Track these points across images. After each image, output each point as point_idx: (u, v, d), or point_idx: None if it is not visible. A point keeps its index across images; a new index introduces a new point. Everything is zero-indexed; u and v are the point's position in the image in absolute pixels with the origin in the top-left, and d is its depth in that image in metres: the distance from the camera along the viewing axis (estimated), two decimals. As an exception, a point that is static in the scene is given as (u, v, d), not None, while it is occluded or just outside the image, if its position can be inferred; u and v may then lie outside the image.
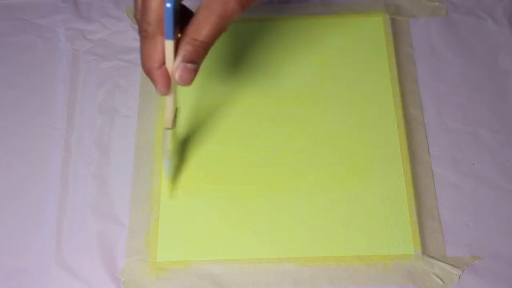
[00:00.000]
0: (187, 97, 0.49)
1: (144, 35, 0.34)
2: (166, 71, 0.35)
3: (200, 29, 0.33)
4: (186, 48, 0.34)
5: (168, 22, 0.33)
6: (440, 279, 0.42)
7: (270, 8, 0.54)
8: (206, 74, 0.50)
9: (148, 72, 0.36)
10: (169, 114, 0.40)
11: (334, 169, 0.46)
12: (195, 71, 0.35)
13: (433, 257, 0.43)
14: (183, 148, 0.46)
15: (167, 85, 0.36)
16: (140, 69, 0.51)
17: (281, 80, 0.50)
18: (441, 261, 0.42)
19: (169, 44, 0.34)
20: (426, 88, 0.49)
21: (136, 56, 0.51)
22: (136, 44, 0.52)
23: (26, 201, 0.46)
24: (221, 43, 0.51)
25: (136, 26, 0.53)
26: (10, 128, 0.49)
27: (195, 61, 0.34)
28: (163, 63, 0.35)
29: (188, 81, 0.35)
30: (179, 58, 0.34)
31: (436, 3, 0.53)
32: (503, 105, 0.49)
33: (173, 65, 0.34)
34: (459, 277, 0.42)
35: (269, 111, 0.48)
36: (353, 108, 0.48)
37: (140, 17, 0.34)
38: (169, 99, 0.38)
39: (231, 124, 0.48)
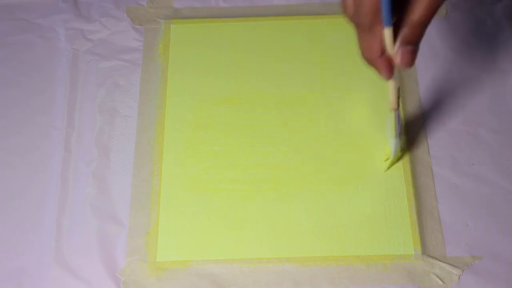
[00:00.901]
0: (187, 97, 0.49)
1: (361, 28, 0.35)
2: (387, 58, 0.36)
3: (414, 9, 0.34)
4: (404, 31, 0.34)
5: (387, 10, 0.33)
6: (440, 279, 0.42)
7: (270, 7, 0.54)
8: (206, 74, 0.50)
9: (370, 62, 0.36)
10: (393, 96, 0.40)
11: (334, 169, 0.46)
12: (415, 53, 0.35)
13: (433, 257, 0.43)
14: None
15: (391, 70, 0.36)
16: (140, 69, 0.51)
17: (281, 80, 0.50)
18: (441, 261, 0.42)
19: (389, 31, 0.34)
20: (426, 88, 0.49)
21: (136, 56, 0.51)
22: (137, 44, 0.52)
23: (26, 201, 0.46)
24: (221, 43, 0.52)
25: (136, 26, 0.53)
26: (10, 128, 0.49)
27: (413, 43, 0.35)
28: (383, 51, 0.35)
29: (409, 63, 0.35)
30: (398, 42, 0.35)
31: (436, 3, 0.53)
32: (503, 105, 0.49)
33: (394, 50, 0.35)
34: (459, 277, 0.42)
35: (269, 111, 0.48)
36: (353, 108, 0.48)
37: (355, 11, 0.34)
38: (391, 83, 0.39)
39: (231, 124, 0.48)
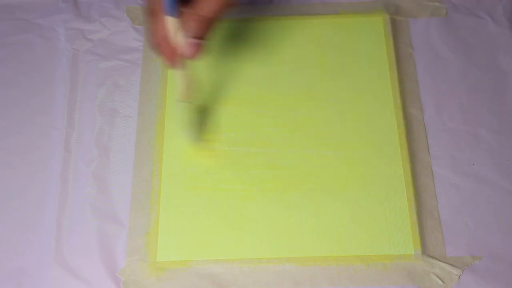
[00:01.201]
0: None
1: (149, 12, 0.36)
2: (171, 46, 0.36)
3: (203, 5, 0.35)
4: (189, 23, 0.35)
5: (167, 1, 0.34)
6: (440, 279, 0.42)
7: (270, 7, 0.54)
8: (205, 74, 0.50)
9: (154, 47, 0.37)
10: (180, 88, 0.41)
11: (334, 169, 0.46)
12: (201, 46, 0.36)
13: (433, 257, 0.43)
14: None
15: (173, 59, 0.37)
16: (140, 69, 0.51)
17: (281, 80, 0.50)
18: (441, 261, 0.42)
19: (171, 20, 0.35)
20: (426, 88, 0.49)
21: (136, 56, 0.51)
22: (137, 44, 0.52)
23: (26, 201, 0.46)
24: (220, 43, 0.52)
25: (136, 26, 0.53)
26: (10, 127, 0.49)
27: (199, 36, 0.35)
28: (166, 38, 0.36)
29: (193, 55, 0.36)
30: (183, 33, 0.35)
31: (436, 3, 0.53)
32: (503, 105, 0.49)
33: (179, 40, 0.36)
34: (459, 277, 0.42)
35: (269, 111, 0.48)
36: (353, 108, 0.48)
37: None
38: (179, 73, 0.39)
39: (231, 124, 0.48)
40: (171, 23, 0.35)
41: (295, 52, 0.51)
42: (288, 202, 0.45)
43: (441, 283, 0.42)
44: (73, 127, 0.48)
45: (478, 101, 0.49)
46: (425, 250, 0.43)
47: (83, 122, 0.49)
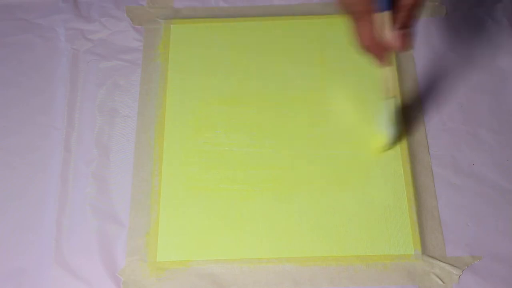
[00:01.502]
0: (187, 97, 0.49)
1: (356, 16, 0.37)
2: (379, 43, 0.37)
3: None
4: (399, 15, 0.36)
5: None
6: (440, 279, 0.42)
7: (270, 7, 0.54)
8: (206, 74, 0.50)
9: (366, 49, 0.38)
10: (389, 83, 0.41)
11: (334, 169, 0.46)
12: (410, 35, 0.37)
13: (433, 257, 0.43)
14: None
15: (382, 56, 0.38)
16: (140, 69, 0.51)
17: (280, 80, 0.50)
18: (441, 261, 0.42)
19: (381, 16, 0.36)
20: (426, 88, 0.49)
21: (136, 56, 0.51)
22: (137, 44, 0.52)
23: (26, 201, 0.46)
24: (221, 43, 0.52)
25: (136, 26, 0.53)
26: (10, 127, 0.49)
27: (409, 25, 0.37)
28: (377, 37, 0.37)
29: (407, 45, 0.37)
30: (393, 26, 0.36)
31: (436, 3, 0.53)
32: (503, 105, 0.49)
33: (387, 35, 0.36)
34: (459, 277, 0.42)
35: (269, 111, 0.48)
36: (353, 108, 0.48)
37: (349, 0, 0.37)
38: (388, 70, 0.40)
39: (231, 124, 0.48)
40: (380, 18, 0.36)
41: (295, 52, 0.51)
42: (288, 202, 0.45)
43: (441, 283, 0.42)
44: (73, 127, 0.48)
45: (478, 101, 0.49)
46: (425, 250, 0.43)
47: (83, 122, 0.49)
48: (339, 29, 0.52)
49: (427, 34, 0.52)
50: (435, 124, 0.48)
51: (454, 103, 0.49)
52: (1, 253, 0.44)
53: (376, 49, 0.38)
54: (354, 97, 0.49)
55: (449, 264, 0.42)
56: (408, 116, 0.48)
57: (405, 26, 0.36)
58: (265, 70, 0.50)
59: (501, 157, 0.46)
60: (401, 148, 0.46)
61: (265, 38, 0.52)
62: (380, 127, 0.45)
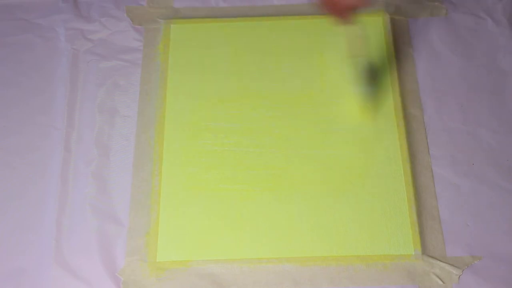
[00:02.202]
0: (187, 97, 0.49)
1: None
2: (343, 2, 0.39)
3: None
4: None
5: None
6: (440, 279, 0.42)
7: (270, 7, 0.54)
8: (206, 74, 0.50)
9: (328, 8, 0.40)
10: (353, 43, 0.43)
11: (334, 169, 0.46)
12: None
13: (433, 257, 0.43)
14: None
15: (344, 14, 0.40)
16: (140, 69, 0.51)
17: (280, 80, 0.50)
18: (441, 261, 0.42)
19: None
20: (426, 88, 0.49)
21: (136, 56, 0.51)
22: (137, 44, 0.52)
23: (26, 201, 0.46)
24: (221, 43, 0.52)
25: (136, 26, 0.53)
26: (10, 127, 0.49)
27: None
28: None
29: (363, 3, 0.39)
30: None
31: (436, 3, 0.53)
32: (503, 105, 0.49)
33: None
34: (459, 277, 0.42)
35: (269, 111, 0.48)
36: (353, 108, 0.48)
37: None
38: (349, 29, 0.42)
39: (231, 124, 0.48)
40: None
41: (295, 52, 0.51)
42: (288, 202, 0.45)
43: (441, 283, 0.42)
44: (73, 127, 0.48)
45: (478, 101, 0.49)
46: (425, 250, 0.43)
47: (83, 122, 0.49)
48: (339, 29, 0.52)
49: (427, 34, 0.52)
50: (435, 124, 0.48)
51: (454, 103, 0.49)
52: (1, 253, 0.44)
53: (338, 7, 0.39)
54: (354, 97, 0.49)
55: (449, 264, 0.42)
56: (408, 116, 0.48)
57: None
58: (265, 70, 0.50)
59: (501, 157, 0.46)
60: (401, 148, 0.46)
61: (265, 38, 0.52)
62: (355, 88, 0.46)
